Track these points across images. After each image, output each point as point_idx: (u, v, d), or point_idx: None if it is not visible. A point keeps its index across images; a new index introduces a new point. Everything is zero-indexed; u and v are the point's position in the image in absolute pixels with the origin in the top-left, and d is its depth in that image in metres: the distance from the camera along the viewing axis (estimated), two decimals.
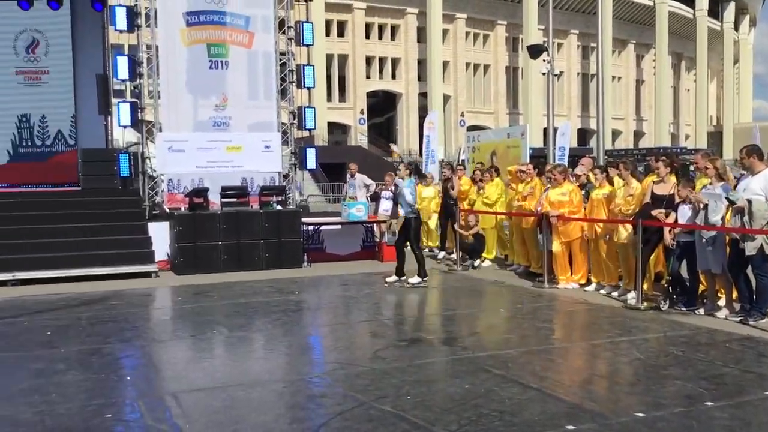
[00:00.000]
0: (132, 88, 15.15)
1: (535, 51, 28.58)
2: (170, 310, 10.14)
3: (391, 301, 10.52)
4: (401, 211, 11.27)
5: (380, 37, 59.95)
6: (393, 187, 16.36)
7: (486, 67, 64.69)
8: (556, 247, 10.66)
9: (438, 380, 6.15)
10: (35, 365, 6.62)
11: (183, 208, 13.67)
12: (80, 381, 6.13)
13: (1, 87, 16.05)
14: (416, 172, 12.03)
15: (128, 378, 6.35)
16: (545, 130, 33.43)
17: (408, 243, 11.36)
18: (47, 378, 6.19)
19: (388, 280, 11.28)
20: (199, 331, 8.26)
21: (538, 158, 21.37)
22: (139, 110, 14.30)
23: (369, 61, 59.28)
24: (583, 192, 10.73)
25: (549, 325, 8.52)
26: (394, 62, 60.31)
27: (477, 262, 12.97)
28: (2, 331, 8.11)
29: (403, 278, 11.23)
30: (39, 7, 15.95)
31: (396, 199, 11.67)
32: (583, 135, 67.24)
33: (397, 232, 11.80)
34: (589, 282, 10.55)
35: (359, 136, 56.01)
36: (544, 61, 28.95)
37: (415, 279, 11.11)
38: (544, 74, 30.79)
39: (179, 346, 7.65)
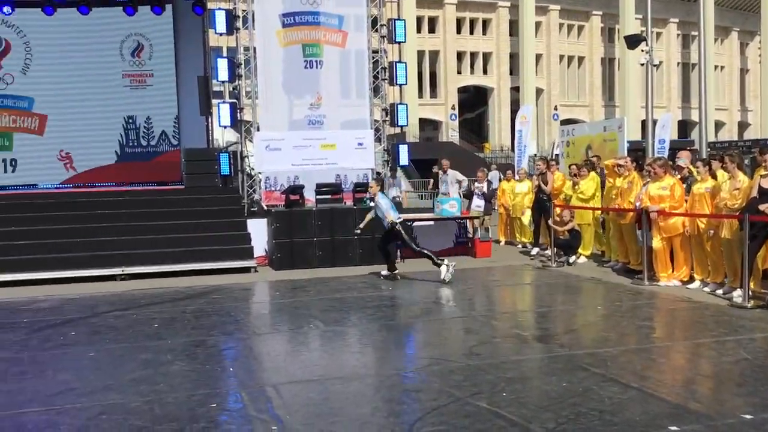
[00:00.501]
0: (231, 89, 15.62)
1: (633, 41, 27.75)
2: (269, 305, 10.44)
3: (484, 297, 10.49)
4: (391, 217, 11.40)
5: (471, 32, 59.48)
6: (485, 183, 16.32)
7: (580, 59, 63.17)
8: (657, 243, 10.34)
9: (534, 377, 6.09)
10: (144, 356, 6.95)
11: (280, 205, 14.01)
12: (186, 371, 6.40)
13: (109, 90, 16.86)
14: (382, 183, 12.40)
15: (231, 369, 6.58)
16: (643, 123, 32.40)
17: (389, 242, 11.64)
18: (155, 368, 6.48)
19: (383, 273, 11.73)
20: (297, 324, 8.47)
21: (636, 152, 20.75)
22: (238, 110, 14.74)
23: (460, 56, 58.92)
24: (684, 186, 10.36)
25: (649, 324, 8.28)
26: (486, 57, 59.73)
27: (572, 259, 12.73)
28: (113, 324, 8.53)
29: (395, 272, 11.70)
30: (143, 13, 16.70)
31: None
32: (684, 127, 64.75)
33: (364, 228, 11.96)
34: (691, 279, 10.18)
35: (450, 132, 55.79)
36: (642, 51, 28.09)
37: (386, 272, 11.64)
38: (642, 65, 29.87)
39: (278, 339, 7.86)
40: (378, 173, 11.91)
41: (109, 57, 16.78)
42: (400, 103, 15.74)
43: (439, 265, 11.06)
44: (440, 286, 11.04)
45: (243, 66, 14.73)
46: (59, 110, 16.70)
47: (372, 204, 11.70)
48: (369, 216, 11.75)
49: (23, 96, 16.64)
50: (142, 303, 9.84)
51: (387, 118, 15.80)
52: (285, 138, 14.72)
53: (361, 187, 14.07)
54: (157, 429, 4.89)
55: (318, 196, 13.64)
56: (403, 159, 15.96)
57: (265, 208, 14.29)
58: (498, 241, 16.00)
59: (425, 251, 11.39)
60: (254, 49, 14.64)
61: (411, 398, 5.57)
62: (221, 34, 14.57)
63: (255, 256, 13.09)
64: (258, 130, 14.82)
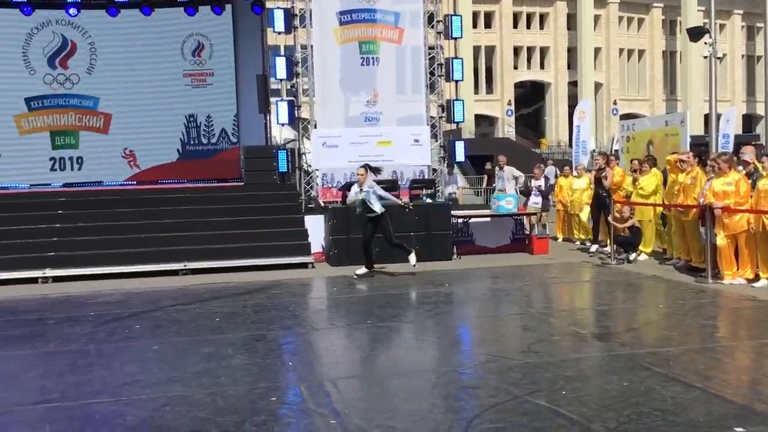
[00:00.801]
0: (288, 87, 15.81)
1: (696, 33, 27.04)
2: (326, 300, 10.55)
3: (541, 294, 10.40)
4: (376, 208, 11.37)
5: (528, 27, 58.84)
6: (543, 180, 16.15)
7: (641, 53, 61.88)
8: (721, 240, 10.07)
9: (594, 376, 6.01)
10: (206, 349, 7.10)
11: (336, 202, 14.11)
12: (247, 365, 6.52)
13: (171, 89, 17.23)
14: (373, 170, 12.04)
15: (290, 363, 6.67)
16: (706, 117, 31.55)
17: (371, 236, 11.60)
18: (217, 362, 6.62)
19: (358, 272, 11.57)
20: (354, 320, 8.54)
21: (699, 146, 20.22)
22: (296, 108, 14.91)
23: (517, 51, 58.37)
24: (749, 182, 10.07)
25: (713, 323, 8.09)
26: (543, 51, 59.01)
27: (633, 256, 12.49)
28: (176, 318, 8.74)
29: (373, 270, 11.67)
30: (203, 13, 17.03)
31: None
32: (749, 121, 62.79)
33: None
34: (757, 278, 9.89)
35: (507, 128, 55.33)
36: (705, 44, 27.33)
37: (362, 270, 11.56)
38: (705, 58, 29.06)
39: (336, 334, 7.94)
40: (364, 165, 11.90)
41: (171, 57, 17.15)
42: (456, 100, 15.71)
43: (409, 253, 11.39)
44: (497, 282, 10.99)
45: (300, 64, 14.89)
46: (123, 109, 17.15)
47: (362, 195, 11.44)
48: (352, 200, 11.69)
49: (89, 95, 17.14)
50: (204, 297, 10.06)
51: (443, 115, 15.77)
52: (342, 135, 14.83)
53: (417, 184, 14.10)
54: (219, 421, 5.00)
55: None
56: (460, 155, 15.92)
57: (322, 204, 14.43)
58: (555, 238, 15.81)
59: (397, 242, 11.54)
60: (311, 47, 14.79)
61: (468, 395, 5.57)
62: (279, 33, 14.77)
63: (312, 252, 13.23)
64: (315, 127, 14.97)
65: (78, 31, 16.99)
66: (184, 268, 12.30)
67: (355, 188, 11.59)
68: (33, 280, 11.63)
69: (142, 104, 17.10)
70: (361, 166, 11.74)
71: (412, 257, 11.33)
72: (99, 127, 17.25)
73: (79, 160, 17.13)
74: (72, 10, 16.75)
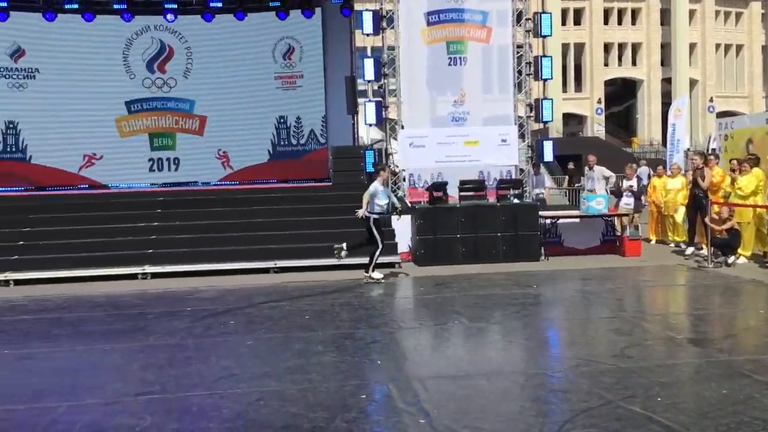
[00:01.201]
0: (376, 88, 15.95)
1: None
2: (413, 300, 10.59)
3: (634, 298, 10.14)
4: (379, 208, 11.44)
5: (620, 23, 57.25)
6: (635, 180, 15.71)
7: (738, 48, 59.26)
8: None
9: (690, 383, 5.84)
10: (297, 346, 7.27)
11: (423, 202, 14.15)
12: (336, 362, 6.64)
13: (263, 92, 17.67)
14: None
15: (379, 362, 6.74)
16: None
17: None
18: (307, 358, 6.77)
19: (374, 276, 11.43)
20: (442, 320, 8.56)
21: None
22: (383, 109, 15.03)
23: (607, 47, 56.89)
24: None
25: None
26: (635, 47, 57.30)
27: (731, 259, 12.01)
28: (268, 314, 8.97)
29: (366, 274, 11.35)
30: (294, 17, 17.39)
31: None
32: None
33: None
34: None
35: (596, 127, 54.02)
36: None
37: (378, 274, 11.46)
38: None
39: (423, 334, 7.98)
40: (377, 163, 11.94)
41: (263, 60, 17.57)
42: (545, 98, 15.46)
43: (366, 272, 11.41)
44: (587, 284, 10.78)
45: (387, 65, 15.00)
46: (217, 111, 17.68)
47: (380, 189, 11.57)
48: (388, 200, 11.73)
49: (185, 98, 17.76)
50: (294, 295, 10.28)
51: (531, 114, 15.57)
52: (428, 135, 14.86)
53: (505, 184, 13.97)
54: (311, 417, 5.11)
55: (461, 193, 13.66)
56: (548, 155, 15.69)
57: (409, 204, 14.49)
58: (648, 240, 15.37)
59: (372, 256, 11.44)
60: (399, 48, 14.88)
61: (559, 398, 5.50)
62: (368, 35, 14.93)
63: (399, 251, 13.30)
64: (402, 127, 15.05)
65: (175, 36, 17.63)
66: (274, 266, 12.60)
67: (378, 187, 11.72)
68: (133, 276, 12.16)
69: (235, 106, 17.60)
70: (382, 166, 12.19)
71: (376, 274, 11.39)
72: (195, 129, 17.86)
73: (176, 161, 17.76)
74: (169, 16, 17.39)
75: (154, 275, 12.21)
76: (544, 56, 15.49)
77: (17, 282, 11.94)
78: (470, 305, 9.26)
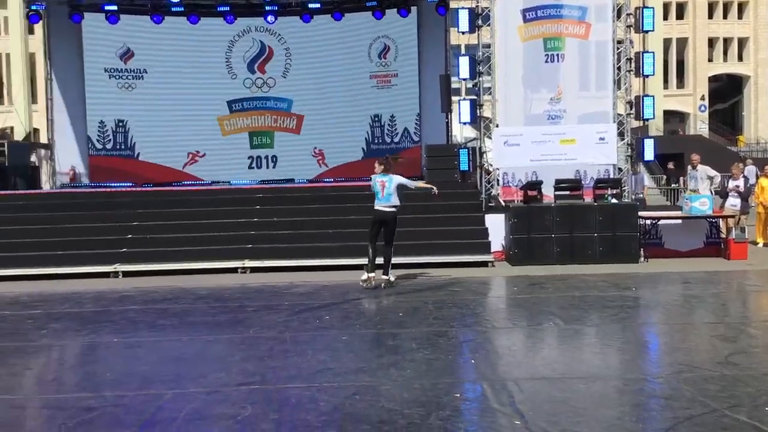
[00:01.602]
0: (471, 86, 15.89)
1: None
2: (507, 299, 10.51)
3: (739, 303, 9.74)
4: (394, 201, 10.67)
5: (725, 17, 54.81)
6: (741, 180, 15.04)
7: None
8: None
9: None
10: (391, 342, 7.36)
11: (517, 201, 14.01)
12: (430, 360, 6.66)
13: (358, 91, 17.94)
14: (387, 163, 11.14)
15: (472, 361, 6.73)
16: None
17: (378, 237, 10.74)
18: (402, 355, 6.83)
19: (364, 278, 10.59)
20: (536, 321, 8.46)
21: None
22: (478, 107, 14.96)
23: (712, 42, 54.56)
24: None
25: None
26: (741, 42, 54.73)
27: None
28: (362, 310, 9.13)
29: (371, 275, 10.55)
30: (390, 16, 17.56)
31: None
32: None
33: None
34: None
35: (699, 124, 51.92)
36: None
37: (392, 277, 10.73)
38: None
39: (517, 334, 7.91)
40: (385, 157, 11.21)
41: (359, 59, 17.85)
42: (646, 95, 15.02)
43: (385, 275, 10.67)
44: (689, 287, 10.42)
45: (483, 63, 14.92)
46: (314, 110, 18.08)
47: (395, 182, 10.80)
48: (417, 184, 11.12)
49: (283, 98, 18.25)
50: (388, 292, 10.37)
51: (631, 111, 15.14)
52: (523, 133, 14.68)
53: (602, 183, 13.67)
54: (406, 413, 5.16)
55: (557, 192, 13.45)
56: (648, 154, 15.23)
57: (503, 203, 14.37)
58: (755, 243, 14.69)
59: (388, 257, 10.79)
60: (494, 45, 14.76)
61: (660, 405, 5.35)
62: (463, 33, 14.88)
63: (492, 250, 13.22)
64: (497, 125, 14.93)
65: (275, 37, 18.12)
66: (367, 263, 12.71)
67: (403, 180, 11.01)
68: (233, 270, 12.57)
69: (331, 105, 17.95)
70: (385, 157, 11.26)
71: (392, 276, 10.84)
72: (292, 128, 18.31)
73: (274, 159, 18.28)
74: (270, 18, 17.88)
75: (253, 269, 12.58)
76: (646, 52, 15.04)
77: (125, 274, 12.56)
78: (565, 306, 9.11)
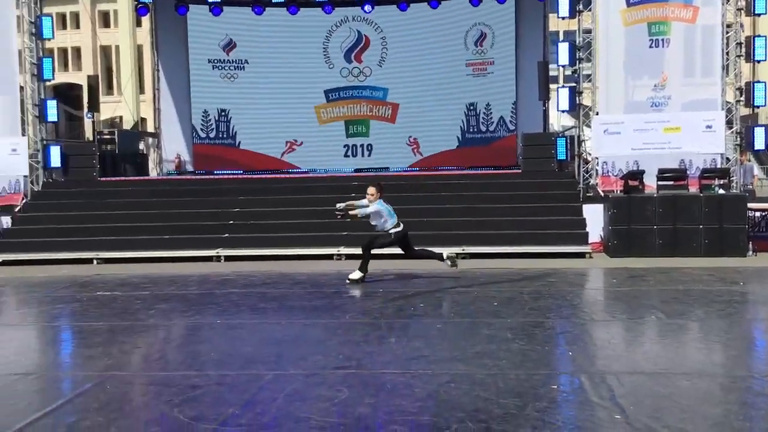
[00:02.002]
0: (569, 73, 15.54)
1: None
2: (605, 291, 10.28)
3: None
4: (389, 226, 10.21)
5: None
6: None
7: None
8: None
9: None
10: (486, 332, 7.31)
11: (617, 191, 13.63)
12: (526, 350, 6.60)
13: (453, 79, 17.86)
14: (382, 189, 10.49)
15: (570, 353, 6.61)
16: None
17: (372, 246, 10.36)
18: (497, 344, 6.78)
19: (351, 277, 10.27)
20: (636, 314, 8.23)
21: None
22: (577, 94, 14.62)
23: None
24: None
25: None
26: None
27: None
28: (456, 299, 9.11)
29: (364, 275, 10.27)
30: (487, 2, 17.37)
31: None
32: None
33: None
34: None
35: None
36: None
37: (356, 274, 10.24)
38: None
39: (617, 327, 7.71)
40: (379, 183, 10.68)
41: (455, 47, 17.76)
42: (757, 82, 14.29)
43: (442, 259, 10.25)
44: None
45: (583, 49, 14.55)
46: (409, 99, 18.12)
47: (371, 209, 10.21)
48: (357, 212, 10.35)
49: (379, 87, 18.37)
50: (482, 281, 10.33)
51: (741, 98, 14.44)
52: (625, 121, 14.25)
53: (709, 173, 13.13)
54: (502, 402, 5.12)
55: (659, 182, 13.02)
56: (759, 143, 14.49)
57: (602, 193, 14.01)
58: None
59: (425, 251, 10.55)
60: (595, 31, 14.37)
61: None
62: (563, 18, 14.55)
63: (590, 241, 12.94)
64: (596, 113, 14.55)
65: (372, 26, 18.25)
66: (462, 251, 12.70)
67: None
68: (329, 257, 12.79)
69: (426, 94, 17.95)
70: (372, 185, 10.53)
71: (447, 262, 10.40)
72: (387, 117, 18.41)
73: (369, 148, 18.45)
74: (367, 7, 18.01)
75: (348, 256, 12.76)
76: (758, 36, 14.30)
77: (227, 258, 13.00)
78: (668, 300, 8.82)
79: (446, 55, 17.73)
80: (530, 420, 4.78)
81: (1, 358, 6.80)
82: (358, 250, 12.74)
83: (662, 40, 14.20)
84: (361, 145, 18.40)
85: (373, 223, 10.32)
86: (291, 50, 18.41)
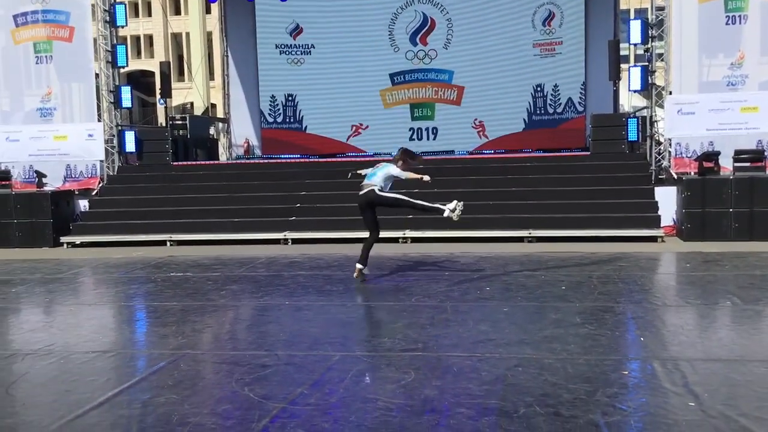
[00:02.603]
0: (641, 52, 15.10)
1: None
2: (678, 276, 10.01)
3: None
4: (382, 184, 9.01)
5: None
6: None
7: None
8: None
9: None
10: (554, 316, 7.22)
11: (691, 173, 13.23)
12: (595, 335, 6.49)
13: (520, 60, 17.58)
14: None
15: (642, 339, 6.46)
16: None
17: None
18: (565, 329, 6.69)
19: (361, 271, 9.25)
20: (711, 300, 7.99)
21: None
22: (649, 74, 14.21)
23: None
24: None
25: None
26: None
27: None
28: (523, 283, 9.00)
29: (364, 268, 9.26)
30: None
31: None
32: None
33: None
34: None
35: None
36: None
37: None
38: None
39: (690, 313, 7.50)
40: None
41: (522, 28, 17.46)
42: None
43: (443, 213, 8.91)
44: None
45: (655, 27, 14.12)
46: (475, 81, 17.93)
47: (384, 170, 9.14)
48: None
49: (444, 69, 18.23)
50: (550, 265, 10.19)
51: None
52: (699, 101, 13.78)
53: None
54: (571, 387, 5.06)
55: (736, 164, 12.57)
56: None
57: (675, 175, 13.62)
58: None
59: (426, 205, 9.07)
60: (669, 7, 13.91)
61: None
62: None
63: (662, 225, 12.61)
64: (670, 93, 14.11)
65: (437, 8, 18.10)
66: (529, 235, 12.58)
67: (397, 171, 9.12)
68: (394, 240, 12.84)
69: (492, 76, 17.74)
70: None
71: (446, 212, 8.87)
72: (453, 99, 18.27)
73: (434, 131, 18.36)
74: None
75: (414, 239, 12.78)
76: None
77: (294, 241, 13.18)
78: (744, 286, 8.53)
79: (513, 36, 17.44)
80: (600, 405, 4.71)
81: (81, 336, 7.09)
82: (424, 233, 12.81)
83: (739, 16, 13.63)
84: (426, 129, 18.32)
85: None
86: (357, 34, 18.44)
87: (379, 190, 9.04)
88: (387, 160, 9.85)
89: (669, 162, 14.09)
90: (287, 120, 18.88)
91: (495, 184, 14.10)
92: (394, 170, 9.06)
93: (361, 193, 9.20)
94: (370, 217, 9.30)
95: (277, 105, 18.92)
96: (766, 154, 13.04)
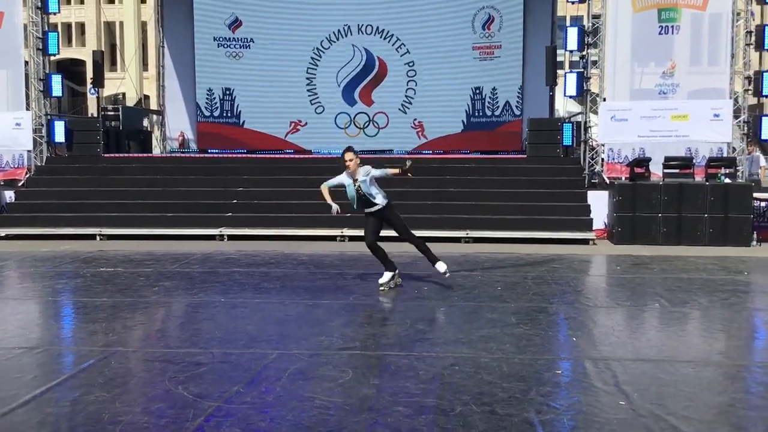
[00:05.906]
0: (576, 59, 15.43)
1: None
2: (609, 278, 10.26)
3: None
4: (378, 200, 8.60)
5: None
6: None
7: None
8: None
9: None
10: (490, 315, 7.30)
11: (623, 178, 13.59)
12: (530, 335, 6.59)
13: (460, 62, 17.74)
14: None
15: (574, 339, 6.60)
16: None
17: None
18: (501, 329, 6.78)
19: (382, 281, 8.63)
20: (640, 302, 8.21)
21: None
22: (584, 80, 14.53)
23: None
24: None
25: None
26: None
27: None
28: (460, 283, 9.07)
29: (396, 271, 8.77)
30: None
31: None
32: None
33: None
34: None
35: None
36: None
37: (386, 277, 8.66)
38: None
39: (620, 314, 7.69)
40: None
41: (462, 31, 17.64)
42: (766, 71, 14.18)
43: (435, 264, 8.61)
44: None
45: (591, 35, 14.44)
46: (415, 82, 18.00)
47: (354, 181, 8.55)
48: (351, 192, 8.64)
49: None
50: (486, 266, 10.31)
51: (749, 87, 14.34)
52: (632, 108, 14.16)
53: (715, 162, 13.09)
54: (505, 386, 5.13)
55: (666, 170, 12.97)
56: (766, 133, 14.37)
57: (607, 180, 13.97)
58: None
59: (426, 249, 8.71)
60: (605, 15, 14.25)
61: None
62: (572, 2, 14.42)
63: (594, 228, 12.92)
64: (604, 99, 14.46)
65: (379, 8, 18.07)
66: (466, 235, 12.70)
67: (344, 179, 8.62)
68: (332, 238, 12.79)
69: (432, 77, 17.83)
70: (348, 150, 8.58)
71: (441, 265, 8.54)
72: None
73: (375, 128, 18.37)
74: None
75: (351, 238, 12.74)
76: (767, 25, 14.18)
77: (230, 237, 12.99)
78: (671, 288, 8.81)
79: (453, 39, 17.59)
80: (534, 404, 4.78)
81: (6, 332, 6.81)
82: (361, 232, 12.74)
83: (672, 27, 14.07)
84: (365, 125, 18.38)
85: (374, 192, 8.61)
86: (297, 30, 18.30)
87: (386, 205, 8.65)
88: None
89: (602, 167, 14.44)
90: (224, 114, 18.59)
91: (432, 185, 14.18)
92: (374, 172, 8.52)
93: (369, 211, 8.66)
94: (395, 227, 8.75)
95: (214, 98, 18.61)
96: (694, 161, 13.50)
